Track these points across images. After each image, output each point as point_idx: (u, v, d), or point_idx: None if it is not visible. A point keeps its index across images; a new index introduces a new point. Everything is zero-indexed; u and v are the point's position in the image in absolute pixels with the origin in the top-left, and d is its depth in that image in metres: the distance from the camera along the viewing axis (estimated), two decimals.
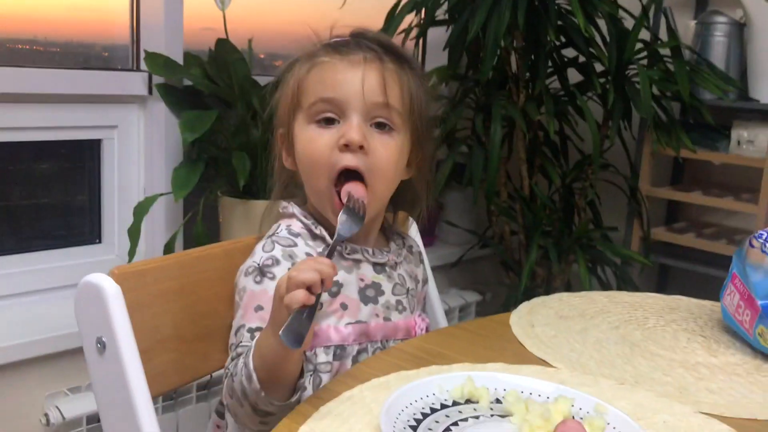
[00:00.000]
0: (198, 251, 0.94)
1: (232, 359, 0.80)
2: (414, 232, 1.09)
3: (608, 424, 0.66)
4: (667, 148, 1.82)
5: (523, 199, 1.87)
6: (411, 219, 1.06)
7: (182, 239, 1.59)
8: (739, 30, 1.89)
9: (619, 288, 1.82)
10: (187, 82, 1.57)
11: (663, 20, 1.84)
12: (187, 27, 1.60)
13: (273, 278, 0.84)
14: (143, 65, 1.54)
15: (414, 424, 0.66)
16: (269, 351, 0.72)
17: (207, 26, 1.67)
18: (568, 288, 1.87)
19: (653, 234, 1.96)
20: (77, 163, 1.61)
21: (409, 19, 1.77)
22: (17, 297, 1.47)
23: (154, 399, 0.79)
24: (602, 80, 1.76)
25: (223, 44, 1.49)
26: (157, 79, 1.56)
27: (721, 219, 2.10)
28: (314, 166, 0.86)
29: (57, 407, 1.33)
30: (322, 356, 0.85)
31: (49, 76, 1.45)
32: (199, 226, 1.48)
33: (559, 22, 1.72)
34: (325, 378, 0.85)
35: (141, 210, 1.45)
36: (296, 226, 0.90)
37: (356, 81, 0.84)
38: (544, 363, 0.84)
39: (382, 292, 0.91)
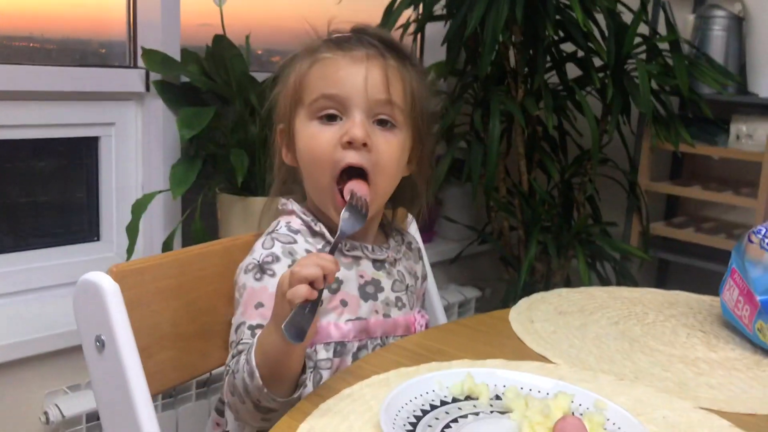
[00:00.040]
0: (197, 249, 0.94)
1: (233, 356, 0.80)
2: (413, 228, 1.09)
3: (608, 419, 0.66)
4: (666, 143, 1.82)
5: (522, 195, 1.86)
6: (410, 215, 1.06)
7: (180, 236, 1.59)
8: (738, 24, 1.89)
9: (619, 283, 1.82)
10: (185, 79, 1.57)
11: (661, 14, 1.84)
12: (184, 23, 1.59)
13: (273, 275, 0.84)
14: (140, 62, 1.53)
15: (414, 420, 0.66)
16: (271, 347, 0.72)
17: (204, 22, 1.67)
18: (568, 283, 1.88)
19: (652, 229, 1.96)
20: (75, 160, 1.60)
21: (407, 14, 1.77)
22: (16, 295, 1.46)
23: (154, 397, 0.79)
24: (601, 75, 1.76)
25: (221, 40, 1.49)
26: (155, 76, 1.55)
27: (720, 213, 2.10)
28: (316, 162, 0.85)
29: (56, 405, 1.33)
30: (323, 353, 0.85)
31: (45, 74, 1.44)
32: (198, 223, 1.47)
33: (558, 17, 1.72)
34: (325, 375, 0.85)
35: (139, 207, 1.45)
36: (296, 222, 0.90)
37: (359, 78, 0.84)
38: (543, 359, 0.84)
39: (382, 289, 0.91)
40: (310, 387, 0.78)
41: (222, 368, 0.90)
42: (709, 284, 1.16)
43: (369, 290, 0.89)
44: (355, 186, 0.84)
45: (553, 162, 1.88)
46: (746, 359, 0.88)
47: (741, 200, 1.84)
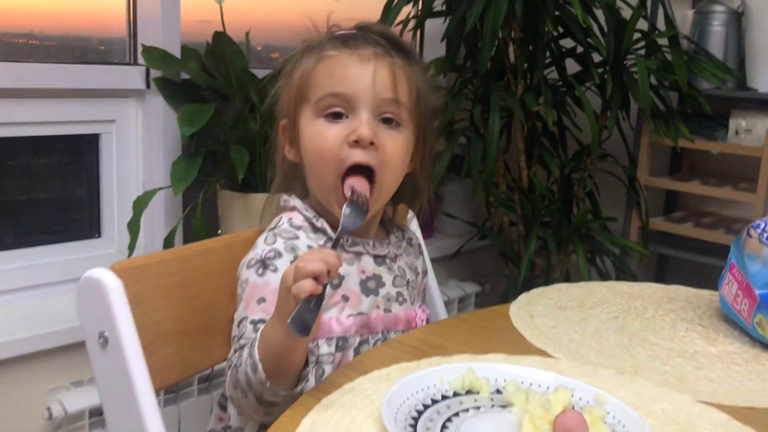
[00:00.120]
0: (198, 245, 0.94)
1: (235, 351, 0.81)
2: (413, 224, 1.10)
3: (608, 413, 0.66)
4: (665, 138, 1.82)
5: (521, 190, 1.87)
6: (410, 211, 1.07)
7: (181, 233, 1.59)
8: (737, 19, 1.89)
9: (618, 278, 1.83)
10: (185, 76, 1.57)
11: (660, 10, 1.84)
12: (184, 20, 1.59)
13: (275, 271, 0.84)
14: (140, 59, 1.53)
15: (415, 415, 0.66)
16: (275, 341, 0.72)
17: (204, 19, 1.67)
18: (567, 278, 1.88)
19: (652, 224, 1.97)
20: (76, 157, 1.61)
21: (407, 10, 1.77)
22: (17, 292, 1.47)
23: (156, 393, 0.79)
24: (600, 70, 1.76)
25: (221, 37, 1.49)
26: (155, 73, 1.55)
27: (719, 208, 2.10)
28: (322, 160, 0.86)
29: (59, 401, 1.34)
30: (325, 348, 0.86)
31: (46, 71, 1.44)
32: (199, 219, 1.48)
33: (557, 13, 1.72)
34: (327, 369, 0.86)
35: (140, 204, 1.45)
36: (298, 219, 0.90)
37: (367, 76, 0.84)
38: (543, 353, 0.84)
39: (383, 284, 0.91)
40: (312, 381, 0.78)
41: (224, 364, 0.90)
42: (708, 279, 1.16)
43: (370, 285, 0.90)
44: (355, 182, 0.84)
45: (552, 157, 1.88)
46: (745, 353, 0.88)
47: (740, 195, 1.85)
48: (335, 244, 0.76)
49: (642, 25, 1.78)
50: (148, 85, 1.57)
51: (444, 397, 0.70)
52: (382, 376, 0.75)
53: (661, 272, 2.18)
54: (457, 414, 0.68)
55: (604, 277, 1.84)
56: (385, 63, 0.85)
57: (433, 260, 1.17)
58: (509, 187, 1.91)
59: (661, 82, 1.81)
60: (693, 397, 0.75)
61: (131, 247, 1.45)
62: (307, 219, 0.90)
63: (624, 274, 1.82)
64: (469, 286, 2.15)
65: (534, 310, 0.98)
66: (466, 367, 0.73)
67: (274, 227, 0.89)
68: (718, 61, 1.84)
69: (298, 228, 0.89)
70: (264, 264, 0.85)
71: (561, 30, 1.80)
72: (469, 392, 0.72)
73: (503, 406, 0.69)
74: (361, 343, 0.88)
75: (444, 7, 1.82)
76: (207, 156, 1.52)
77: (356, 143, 0.84)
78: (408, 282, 0.95)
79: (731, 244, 0.97)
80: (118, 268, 0.81)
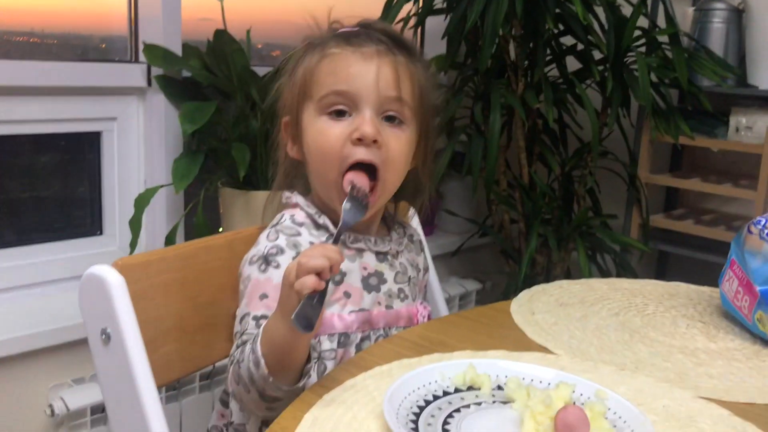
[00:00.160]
0: (200, 242, 0.94)
1: (237, 347, 0.81)
2: (414, 221, 1.10)
3: (609, 409, 0.67)
4: (665, 135, 1.82)
5: (522, 188, 1.87)
6: (411, 208, 1.07)
7: (183, 231, 1.59)
8: (738, 16, 1.89)
9: (619, 275, 1.83)
10: (186, 74, 1.57)
11: (661, 7, 1.84)
12: (185, 18, 1.59)
13: (278, 267, 0.84)
14: (142, 57, 1.54)
15: (417, 411, 0.67)
16: (278, 336, 0.73)
17: (205, 17, 1.67)
18: (568, 275, 1.88)
19: (652, 221, 1.97)
20: (77, 155, 1.61)
21: (407, 7, 1.77)
22: (19, 289, 1.47)
23: (158, 389, 0.79)
24: (601, 68, 1.76)
25: (222, 35, 1.49)
26: (156, 71, 1.55)
27: (719, 205, 2.10)
28: (325, 158, 0.86)
29: (61, 398, 1.34)
30: (327, 344, 0.86)
31: (47, 69, 1.44)
32: (200, 217, 1.48)
33: (558, 10, 1.72)
34: (329, 365, 0.86)
35: (142, 202, 1.45)
36: (300, 215, 0.90)
37: (370, 75, 0.84)
38: (544, 350, 0.85)
39: (385, 281, 0.91)
40: (314, 377, 0.79)
41: (226, 360, 0.91)
42: (709, 275, 1.16)
43: (372, 282, 0.90)
44: (354, 177, 0.84)
45: (553, 155, 1.88)
46: (746, 349, 0.89)
47: (740, 192, 1.85)
48: (336, 240, 0.77)
49: (642, 22, 1.78)
50: (149, 83, 1.57)
51: (445, 393, 0.70)
52: (384, 372, 0.75)
53: (662, 269, 2.18)
54: (458, 410, 0.68)
55: (604, 274, 1.84)
56: (388, 61, 0.86)
57: (434, 258, 1.17)
58: (510, 185, 1.91)
59: (662, 80, 1.81)
60: (694, 393, 0.75)
61: (133, 244, 1.45)
62: (309, 216, 0.90)
63: (625, 271, 1.82)
64: (470, 283, 2.15)
65: (535, 306, 0.99)
66: (467, 363, 0.73)
67: (277, 224, 0.90)
68: (718, 58, 1.84)
69: (300, 224, 0.89)
70: (266, 260, 0.85)
71: (561, 27, 1.80)
72: (470, 388, 0.72)
73: (504, 402, 0.70)
74: (362, 340, 0.89)
75: (444, 5, 1.82)
76: (208, 153, 1.52)
77: (359, 141, 0.84)
78: (409, 279, 0.95)
79: (732, 240, 0.97)
80: (121, 264, 0.81)
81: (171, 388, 1.48)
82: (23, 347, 1.33)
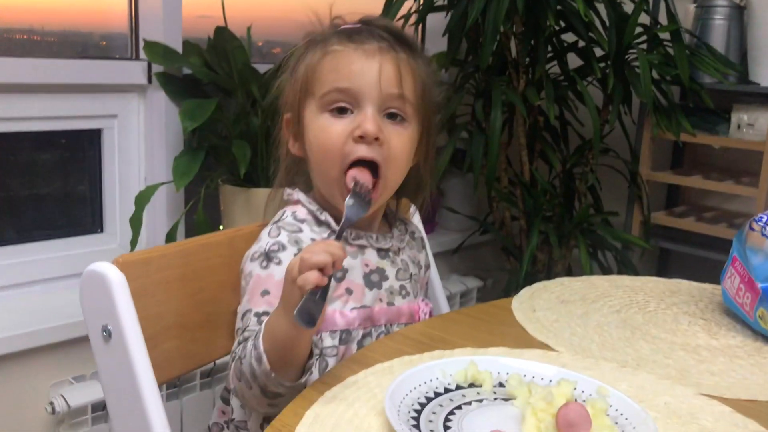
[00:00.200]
0: (201, 239, 0.94)
1: (239, 343, 0.81)
2: (416, 218, 1.10)
3: (610, 406, 0.67)
4: (667, 132, 1.82)
5: (523, 185, 1.87)
6: (413, 205, 1.07)
7: (183, 228, 1.59)
8: (739, 13, 1.89)
9: (620, 272, 1.83)
10: (187, 71, 1.57)
11: (662, 4, 1.84)
12: (186, 15, 1.59)
13: (279, 263, 0.84)
14: (142, 54, 1.53)
15: (418, 408, 0.66)
16: (281, 332, 0.73)
17: (205, 14, 1.67)
18: (569, 273, 1.88)
19: (653, 218, 1.97)
20: (78, 152, 1.61)
21: (408, 4, 1.77)
22: (20, 287, 1.47)
23: (159, 386, 0.79)
24: (602, 65, 1.76)
25: (222, 32, 1.49)
26: (157, 68, 1.55)
27: (721, 202, 2.10)
28: (327, 155, 0.86)
29: (62, 396, 1.34)
30: (328, 340, 0.86)
31: (47, 66, 1.44)
32: (201, 214, 1.48)
33: (559, 7, 1.72)
34: (331, 362, 0.86)
35: (142, 199, 1.45)
36: (301, 212, 0.90)
37: (372, 72, 0.84)
38: (546, 347, 0.85)
39: (386, 277, 0.91)
40: (316, 374, 0.79)
41: (227, 357, 0.91)
42: (710, 273, 1.16)
43: (374, 279, 0.90)
44: (357, 173, 0.84)
45: (554, 152, 1.88)
46: (747, 346, 0.88)
47: (742, 189, 1.84)
48: (339, 236, 0.77)
49: (644, 19, 1.78)
50: (149, 80, 1.57)
51: (447, 390, 0.70)
52: (385, 369, 0.75)
53: (663, 266, 2.18)
54: (459, 407, 0.68)
55: (605, 271, 1.84)
56: (390, 58, 0.85)
57: (435, 255, 1.17)
58: (511, 182, 1.91)
59: (663, 77, 1.80)
60: (695, 390, 0.75)
61: (133, 242, 1.45)
62: (310, 212, 0.90)
63: (626, 268, 1.82)
64: (471, 280, 2.15)
65: (536, 303, 0.99)
66: (468, 360, 0.73)
67: (278, 220, 0.90)
68: (720, 55, 1.84)
69: (302, 221, 0.89)
70: (268, 257, 0.85)
71: (563, 24, 1.80)
72: (471, 385, 0.72)
73: (506, 399, 0.70)
74: (364, 336, 0.89)
75: (445, 2, 1.82)
76: (209, 151, 1.52)
77: (361, 138, 0.84)
78: (411, 275, 0.95)
79: (733, 237, 0.97)
80: (121, 261, 0.81)
81: (172, 386, 1.48)
82: (24, 345, 1.33)
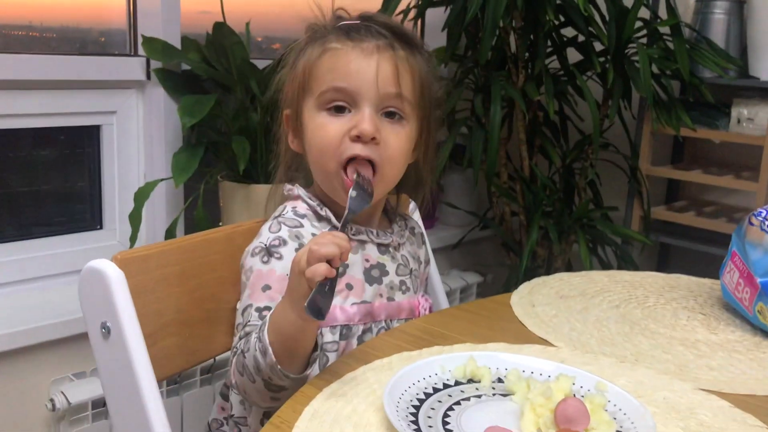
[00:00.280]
0: (200, 236, 0.94)
1: (241, 338, 0.81)
2: (416, 214, 1.10)
3: (609, 401, 0.67)
4: (666, 127, 1.82)
5: (523, 180, 1.87)
6: (412, 201, 1.07)
7: (183, 224, 1.59)
8: (739, 7, 1.88)
9: (620, 267, 1.83)
10: (185, 67, 1.57)
11: None
12: (184, 11, 1.59)
13: (280, 258, 0.85)
14: (141, 50, 1.53)
15: (417, 404, 0.67)
16: (287, 324, 0.73)
17: (204, 10, 1.67)
18: (569, 268, 1.88)
19: (653, 213, 1.97)
20: (77, 149, 1.61)
21: (407, 0, 1.76)
22: (20, 284, 1.47)
23: (158, 383, 0.80)
24: (602, 59, 1.76)
25: (221, 28, 1.49)
26: (155, 64, 1.55)
27: (721, 197, 2.10)
28: (324, 153, 0.86)
29: (62, 392, 1.34)
30: (329, 336, 0.86)
31: (46, 62, 1.44)
32: (200, 210, 1.48)
33: (558, 2, 1.71)
34: (331, 357, 0.86)
35: (141, 195, 1.45)
36: (302, 207, 0.90)
37: (370, 71, 0.84)
38: (545, 342, 0.85)
39: (387, 273, 0.92)
40: (316, 369, 0.79)
41: (226, 354, 0.91)
42: (710, 267, 1.16)
43: (374, 274, 0.90)
44: (358, 166, 0.85)
45: (554, 147, 1.88)
46: (746, 341, 0.88)
47: (742, 184, 1.84)
48: (343, 228, 0.77)
49: (643, 13, 1.78)
50: (148, 76, 1.57)
51: (445, 386, 0.70)
52: (384, 365, 0.75)
53: (663, 261, 2.18)
54: (458, 403, 0.68)
55: (605, 266, 1.84)
56: (388, 56, 0.85)
57: (434, 250, 1.17)
58: (511, 177, 1.91)
59: (663, 71, 1.80)
60: (694, 385, 0.75)
61: (133, 238, 1.45)
62: (311, 207, 0.90)
63: (626, 263, 1.82)
64: (470, 276, 2.15)
65: (535, 299, 0.99)
66: (467, 356, 0.73)
67: (279, 215, 0.90)
68: (720, 49, 1.83)
69: (303, 216, 0.89)
70: (269, 252, 0.85)
71: (562, 19, 1.79)
72: (470, 381, 0.72)
73: (504, 395, 0.70)
74: (364, 332, 0.89)
75: None
76: (208, 147, 1.52)
77: (358, 138, 0.84)
78: (411, 271, 0.95)
79: (733, 232, 0.97)
80: (120, 258, 0.81)
81: (172, 382, 1.48)
82: (24, 342, 1.33)
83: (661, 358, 0.82)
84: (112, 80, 1.55)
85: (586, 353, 0.82)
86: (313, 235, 0.87)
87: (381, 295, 0.91)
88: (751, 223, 0.92)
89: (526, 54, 1.79)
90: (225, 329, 0.93)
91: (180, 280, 0.88)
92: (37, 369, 1.37)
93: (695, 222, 1.91)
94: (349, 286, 0.88)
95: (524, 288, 1.03)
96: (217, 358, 1.02)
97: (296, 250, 0.85)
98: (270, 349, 0.73)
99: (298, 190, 0.92)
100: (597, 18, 1.73)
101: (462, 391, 0.70)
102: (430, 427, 0.63)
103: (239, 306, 0.87)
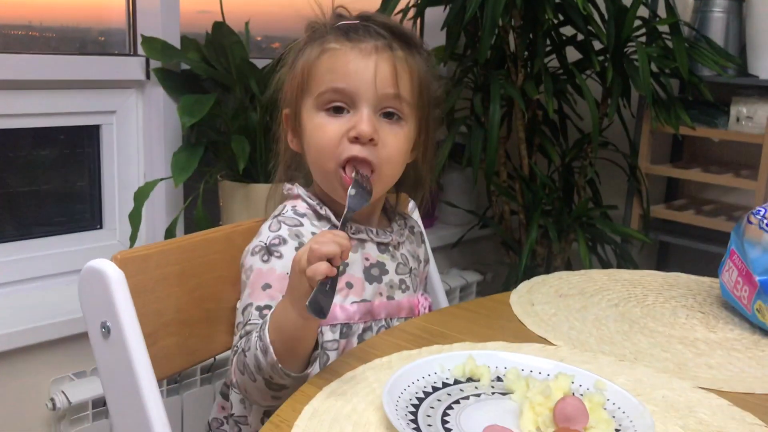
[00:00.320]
0: (200, 235, 0.94)
1: (241, 337, 0.81)
2: (415, 213, 1.10)
3: (608, 399, 0.67)
4: (666, 126, 1.82)
5: (522, 179, 1.87)
6: (411, 200, 1.07)
7: (183, 224, 1.59)
8: (738, 6, 1.88)
9: (619, 266, 1.83)
10: (185, 66, 1.57)
11: None
12: (184, 10, 1.59)
13: (280, 257, 0.85)
14: (140, 50, 1.53)
15: (416, 402, 0.67)
16: (287, 323, 0.73)
17: (203, 9, 1.67)
18: (568, 266, 1.88)
19: (653, 211, 1.97)
20: (76, 149, 1.61)
21: None
22: (20, 284, 1.47)
23: (159, 383, 0.80)
24: (601, 58, 1.76)
25: (220, 27, 1.49)
26: (155, 64, 1.55)
27: (720, 196, 2.10)
28: (322, 153, 0.86)
29: (63, 392, 1.35)
30: (329, 334, 0.86)
31: (45, 62, 1.44)
32: (200, 210, 1.48)
33: (557, 0, 1.71)
34: (332, 356, 0.86)
35: (141, 195, 1.45)
36: (301, 206, 0.91)
37: (368, 72, 0.84)
38: (544, 341, 0.85)
39: (386, 272, 0.92)
40: (316, 368, 0.79)
41: (226, 353, 0.91)
42: (709, 266, 1.16)
43: (374, 272, 0.91)
44: (357, 164, 0.85)
45: (553, 146, 1.88)
46: (745, 339, 0.89)
47: (741, 182, 1.84)
48: (343, 225, 0.77)
49: (643, 12, 1.78)
50: (148, 76, 1.57)
51: (445, 385, 0.71)
52: (384, 364, 0.76)
53: (662, 260, 2.18)
54: (457, 401, 0.68)
55: (605, 265, 1.84)
56: (386, 57, 0.85)
57: (434, 249, 1.17)
58: (510, 176, 1.91)
59: (662, 70, 1.80)
60: (693, 384, 0.75)
61: (133, 238, 1.45)
62: (311, 206, 0.90)
63: (625, 261, 1.82)
64: (470, 275, 2.15)
65: (534, 297, 0.99)
66: (466, 354, 0.74)
67: (278, 214, 0.90)
68: (719, 47, 1.83)
69: (302, 215, 0.90)
70: (269, 251, 0.85)
71: (561, 18, 1.79)
72: (469, 380, 0.72)
73: (504, 394, 0.70)
74: (364, 330, 0.89)
75: None
76: (208, 146, 1.52)
77: (356, 139, 0.84)
78: (411, 270, 0.96)
79: (732, 231, 0.97)
80: (120, 258, 0.81)
81: (172, 381, 1.48)
82: (24, 341, 1.34)
83: (660, 356, 0.82)
84: (111, 80, 1.55)
85: (585, 352, 0.82)
86: (313, 234, 0.88)
87: (381, 294, 0.91)
88: (749, 222, 0.92)
89: (526, 53, 1.79)
90: (225, 328, 0.93)
91: (180, 279, 0.89)
92: (37, 368, 1.37)
93: (694, 220, 1.92)
94: (349, 285, 0.88)
95: (523, 287, 1.03)
96: (217, 357, 1.02)
97: (296, 249, 0.85)
98: (271, 348, 0.74)
99: (298, 189, 0.92)
100: (596, 17, 1.73)
101: (461, 390, 0.70)
102: (430, 425, 0.63)
103: (239, 305, 0.87)
